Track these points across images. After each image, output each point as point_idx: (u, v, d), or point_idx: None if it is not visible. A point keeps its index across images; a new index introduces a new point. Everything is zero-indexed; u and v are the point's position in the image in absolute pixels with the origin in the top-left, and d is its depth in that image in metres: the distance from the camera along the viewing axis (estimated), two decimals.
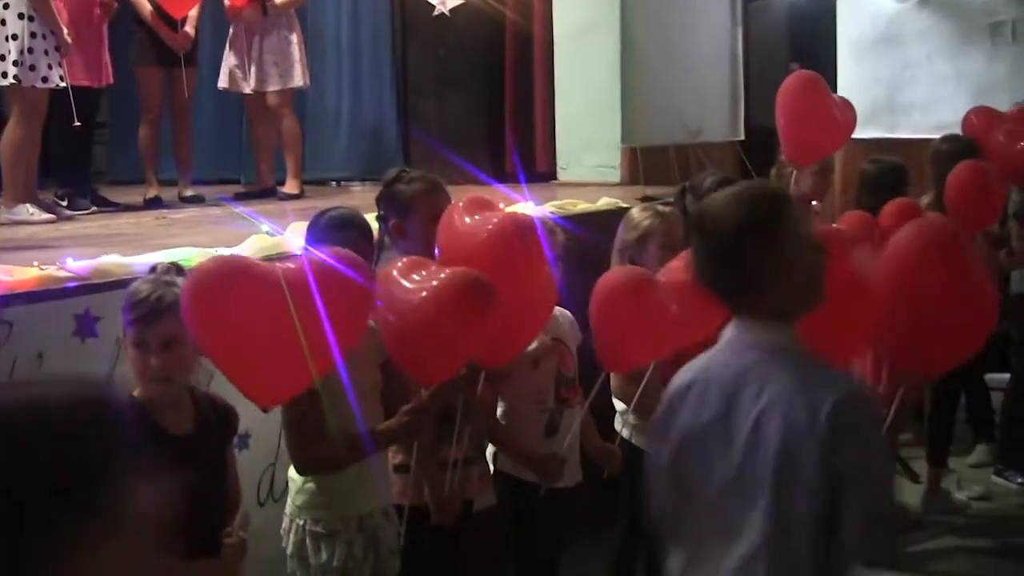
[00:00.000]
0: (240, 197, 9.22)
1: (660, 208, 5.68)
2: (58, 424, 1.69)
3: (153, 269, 3.87)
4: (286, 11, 9.23)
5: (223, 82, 9.45)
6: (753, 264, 3.01)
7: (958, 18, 11.21)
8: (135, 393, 3.71)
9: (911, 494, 7.30)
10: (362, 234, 4.40)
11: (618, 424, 5.50)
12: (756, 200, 3.09)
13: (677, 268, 4.51)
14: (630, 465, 5.28)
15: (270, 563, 4.38)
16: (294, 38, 9.24)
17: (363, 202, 8.09)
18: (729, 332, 3.15)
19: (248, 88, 9.31)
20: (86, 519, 1.68)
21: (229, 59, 9.36)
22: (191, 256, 5.04)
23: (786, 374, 3.00)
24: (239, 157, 10.90)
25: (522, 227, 4.29)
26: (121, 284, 4.49)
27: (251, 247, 5.40)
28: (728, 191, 3.17)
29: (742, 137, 11.01)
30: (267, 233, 5.61)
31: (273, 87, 9.24)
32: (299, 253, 4.89)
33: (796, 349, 3.06)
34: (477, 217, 4.36)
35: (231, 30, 9.35)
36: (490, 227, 4.27)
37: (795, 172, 6.68)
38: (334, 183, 11.00)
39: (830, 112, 6.81)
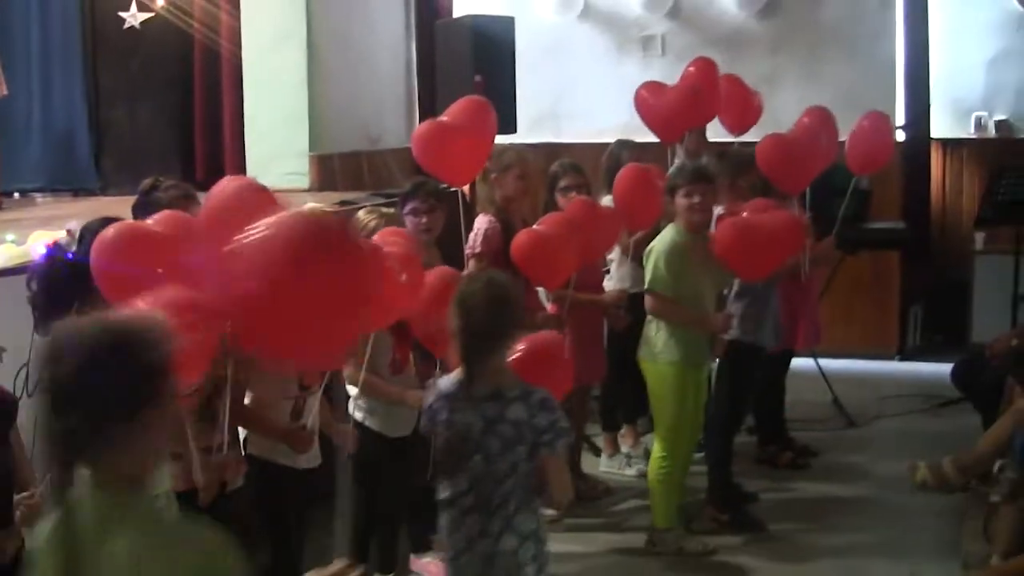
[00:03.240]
0: None
1: (384, 210, 6.31)
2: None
3: None
4: None
5: None
6: None
7: (614, 32, 12.16)
8: None
9: (596, 466, 8.16)
10: None
11: (351, 408, 6.04)
12: None
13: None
14: (362, 446, 5.85)
15: None
16: None
17: (52, 213, 8.33)
18: None
19: None
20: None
21: None
22: None
23: None
24: None
25: None
26: None
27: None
28: None
29: None
30: (12, 243, 5.88)
31: None
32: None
33: None
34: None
35: None
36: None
37: (496, 177, 7.25)
38: (16, 194, 10.68)
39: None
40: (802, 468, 8.32)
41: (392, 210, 6.32)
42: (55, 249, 4.60)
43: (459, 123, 6.82)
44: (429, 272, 5.56)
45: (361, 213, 6.21)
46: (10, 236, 6.05)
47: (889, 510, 7.51)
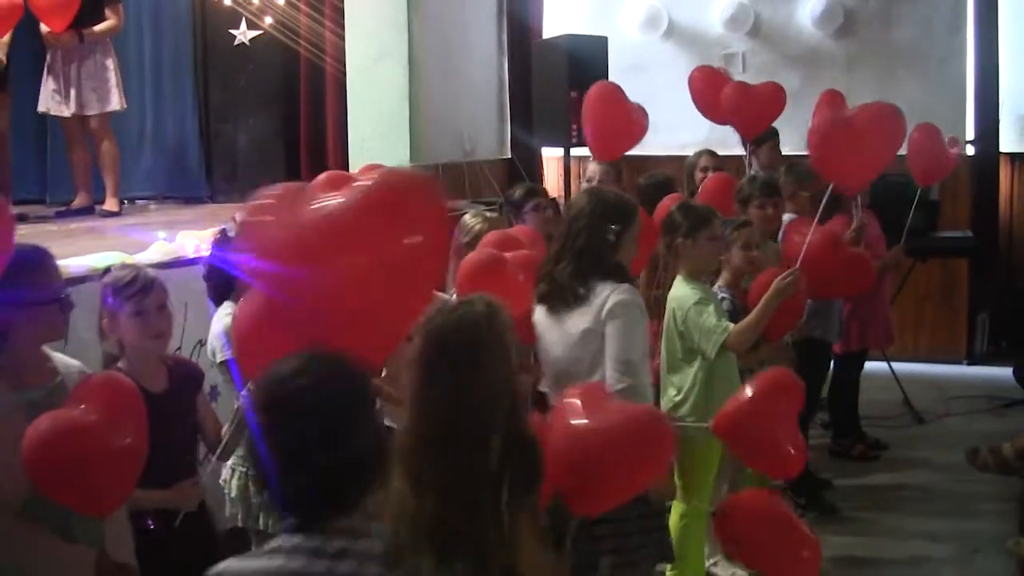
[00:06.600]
0: (61, 215, 9.69)
1: (488, 214, 6.84)
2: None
3: (108, 270, 4.80)
4: (102, 38, 9.63)
5: (42, 106, 9.76)
6: None
7: (697, 49, 12.62)
8: (120, 365, 4.67)
9: None
10: None
11: None
12: None
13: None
14: None
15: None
16: (110, 63, 9.66)
17: (170, 218, 8.90)
18: None
19: (67, 112, 9.64)
20: None
21: (48, 84, 9.68)
22: (118, 259, 5.96)
23: None
24: (43, 177, 11.17)
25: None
26: (69, 282, 5.40)
27: (155, 252, 6.30)
28: None
29: (509, 155, 12.23)
30: (164, 240, 6.51)
31: (93, 111, 9.66)
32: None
33: None
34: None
35: (48, 56, 9.66)
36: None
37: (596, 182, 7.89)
38: (125, 202, 10.89)
39: (627, 115, 8.07)
40: (873, 460, 8.91)
41: (495, 214, 6.87)
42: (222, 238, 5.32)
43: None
44: None
45: (467, 217, 6.66)
46: (162, 234, 6.65)
47: (952, 496, 8.07)
